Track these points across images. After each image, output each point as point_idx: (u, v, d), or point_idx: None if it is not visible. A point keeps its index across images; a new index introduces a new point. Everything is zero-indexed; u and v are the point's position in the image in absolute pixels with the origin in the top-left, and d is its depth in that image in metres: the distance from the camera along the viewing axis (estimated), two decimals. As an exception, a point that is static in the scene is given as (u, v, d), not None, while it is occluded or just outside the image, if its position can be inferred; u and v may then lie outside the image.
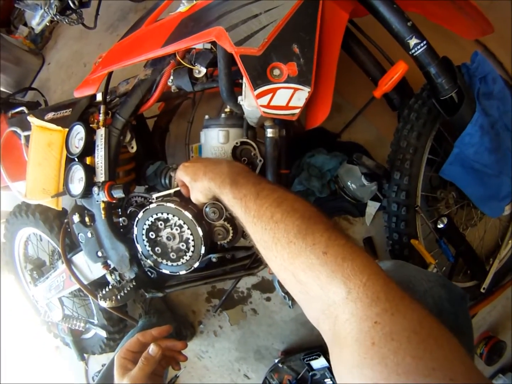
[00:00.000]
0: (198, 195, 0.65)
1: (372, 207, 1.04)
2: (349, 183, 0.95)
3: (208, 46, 0.74)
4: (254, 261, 0.81)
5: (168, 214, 0.72)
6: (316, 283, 0.36)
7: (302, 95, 0.67)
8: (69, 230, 1.03)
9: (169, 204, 0.71)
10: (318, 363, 1.02)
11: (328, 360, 1.00)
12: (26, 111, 1.10)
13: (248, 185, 0.52)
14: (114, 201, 0.77)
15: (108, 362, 0.95)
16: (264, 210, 0.45)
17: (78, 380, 1.56)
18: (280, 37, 0.63)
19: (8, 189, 1.55)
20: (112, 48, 0.79)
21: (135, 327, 1.13)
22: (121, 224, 0.83)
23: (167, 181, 0.87)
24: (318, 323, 0.38)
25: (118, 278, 0.87)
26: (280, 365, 1.09)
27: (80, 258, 0.97)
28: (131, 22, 1.60)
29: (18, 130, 0.97)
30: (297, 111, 0.67)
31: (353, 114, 1.04)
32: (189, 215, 0.70)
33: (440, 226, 0.84)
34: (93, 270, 0.95)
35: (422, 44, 0.71)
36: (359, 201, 1.00)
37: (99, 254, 0.85)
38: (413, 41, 0.72)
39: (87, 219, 0.86)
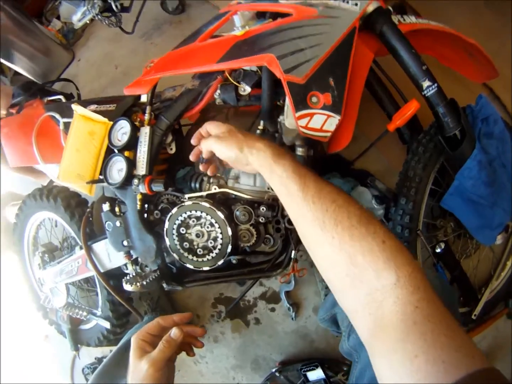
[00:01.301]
0: (226, 149, 0.60)
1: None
2: (363, 203, 1.03)
3: (255, 68, 0.83)
4: (272, 266, 0.87)
5: (201, 212, 0.78)
6: (372, 267, 0.41)
7: (333, 121, 0.77)
8: (90, 219, 1.09)
9: (204, 203, 0.78)
10: (315, 374, 1.05)
11: (325, 372, 1.03)
12: (63, 99, 1.17)
13: (305, 168, 0.52)
14: (150, 194, 0.83)
15: (119, 346, 0.96)
16: (326, 193, 0.47)
17: (62, 372, 1.54)
18: (320, 70, 0.74)
19: (22, 172, 1.60)
20: (165, 56, 0.87)
21: (139, 322, 1.14)
22: (152, 218, 0.88)
23: (197, 185, 0.92)
24: (358, 310, 0.42)
25: (138, 270, 0.91)
26: (277, 374, 1.11)
27: (101, 247, 1.01)
28: (165, 33, 1.75)
29: (57, 116, 1.02)
30: (328, 134, 0.77)
31: (367, 145, 1.14)
32: (222, 215, 0.77)
33: (438, 250, 0.92)
34: (112, 259, 0.99)
35: (433, 87, 0.82)
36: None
37: (125, 243, 0.90)
38: (426, 83, 0.83)
39: (117, 209, 0.92)
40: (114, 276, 1.04)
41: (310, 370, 1.06)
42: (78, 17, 1.60)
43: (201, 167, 0.72)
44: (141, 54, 1.74)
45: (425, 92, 0.83)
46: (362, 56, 0.86)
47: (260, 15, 0.85)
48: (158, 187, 0.80)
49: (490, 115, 0.88)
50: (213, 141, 0.62)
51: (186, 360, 1.28)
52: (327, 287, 1.11)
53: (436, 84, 0.82)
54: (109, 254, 1.00)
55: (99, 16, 1.50)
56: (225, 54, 0.76)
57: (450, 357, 0.33)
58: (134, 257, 0.93)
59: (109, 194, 1.01)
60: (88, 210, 1.11)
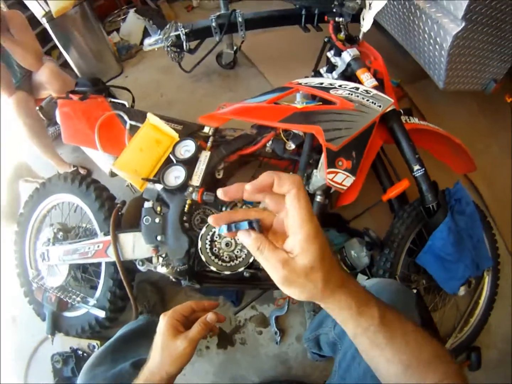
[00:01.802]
0: (297, 292, 0.42)
1: (361, 279, 1.34)
2: (352, 252, 1.25)
3: (301, 133, 1.10)
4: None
5: (236, 226, 0.97)
6: None
7: (350, 180, 1.05)
8: (119, 213, 1.22)
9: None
10: None
11: None
12: (127, 105, 1.35)
13: (389, 310, 0.49)
14: (199, 202, 1.01)
15: (141, 322, 1.00)
16: (413, 342, 0.49)
17: (19, 357, 1.44)
18: (348, 145, 1.04)
19: (49, 154, 1.67)
20: (239, 105, 1.13)
21: (134, 320, 1.15)
22: (187, 225, 1.05)
23: (228, 209, 1.11)
24: None
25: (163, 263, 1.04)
26: None
27: (127, 238, 1.12)
28: (212, 81, 2.07)
29: (125, 117, 1.19)
30: (345, 187, 1.05)
31: (362, 210, 1.42)
32: (253, 232, 0.96)
33: None
34: (136, 251, 1.10)
35: (421, 170, 1.13)
36: (352, 271, 1.29)
37: (158, 238, 1.03)
38: (416, 167, 1.13)
39: (158, 208, 1.07)
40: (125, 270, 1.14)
41: None
42: (150, 42, 1.77)
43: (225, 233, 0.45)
44: (187, 91, 2.00)
45: (415, 173, 1.14)
46: (374, 142, 1.18)
47: (313, 97, 1.15)
48: (209, 198, 0.99)
49: (463, 197, 1.17)
50: (281, 278, 0.42)
51: None
52: (314, 315, 1.25)
53: (424, 169, 1.13)
54: (134, 246, 1.11)
55: (168, 48, 1.74)
56: (285, 118, 1.04)
57: None
58: (160, 252, 1.06)
59: (147, 196, 1.17)
60: (118, 205, 1.24)
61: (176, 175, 1.05)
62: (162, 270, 0.96)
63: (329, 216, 1.38)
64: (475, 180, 1.64)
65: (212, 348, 1.31)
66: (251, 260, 0.96)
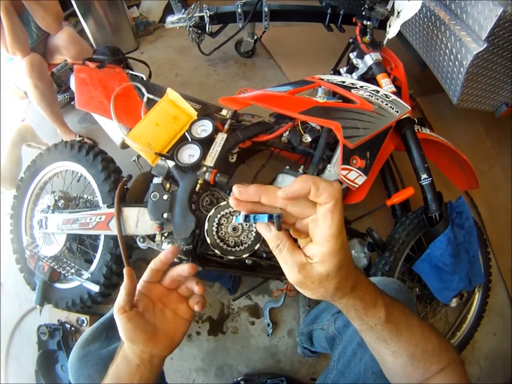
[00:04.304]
0: (320, 293, 0.43)
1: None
2: (352, 252, 1.26)
3: (318, 127, 1.10)
4: (280, 273, 1.04)
5: (246, 211, 0.96)
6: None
7: (361, 179, 1.06)
8: (125, 186, 1.20)
9: (250, 205, 0.96)
10: None
11: None
12: (145, 78, 1.32)
13: (396, 309, 0.51)
14: (211, 184, 1.00)
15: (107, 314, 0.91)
16: (419, 337, 0.51)
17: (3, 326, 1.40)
18: (364, 144, 1.04)
19: (55, 120, 1.64)
20: (261, 91, 1.12)
21: None
22: (198, 203, 1.04)
23: None
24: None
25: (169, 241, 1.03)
26: (242, 383, 1.17)
27: (131, 212, 1.10)
28: (229, 67, 2.06)
29: (143, 90, 1.17)
30: (356, 185, 1.06)
31: (364, 212, 1.43)
32: (262, 220, 0.96)
33: None
34: (139, 226, 1.08)
35: (428, 179, 1.15)
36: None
37: (165, 215, 1.01)
38: (424, 176, 1.16)
39: (168, 185, 1.05)
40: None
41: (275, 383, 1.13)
42: (173, 19, 1.75)
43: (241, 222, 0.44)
44: (202, 74, 1.99)
45: (422, 181, 1.16)
46: (387, 146, 1.19)
47: (333, 94, 1.15)
48: (222, 179, 0.98)
49: (463, 211, 1.20)
50: (294, 280, 0.42)
51: None
52: (309, 310, 1.25)
53: (431, 178, 1.15)
54: (138, 222, 1.09)
55: (190, 28, 1.72)
56: (306, 110, 1.04)
57: None
58: (164, 230, 1.05)
59: (155, 172, 1.15)
60: (124, 178, 1.22)
61: (190, 153, 1.03)
62: (167, 247, 0.94)
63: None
64: (475, 199, 1.67)
65: (202, 334, 1.30)
66: (256, 248, 0.95)
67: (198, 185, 1.00)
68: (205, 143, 1.05)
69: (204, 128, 1.07)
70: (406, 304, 0.70)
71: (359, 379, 0.68)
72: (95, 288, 1.19)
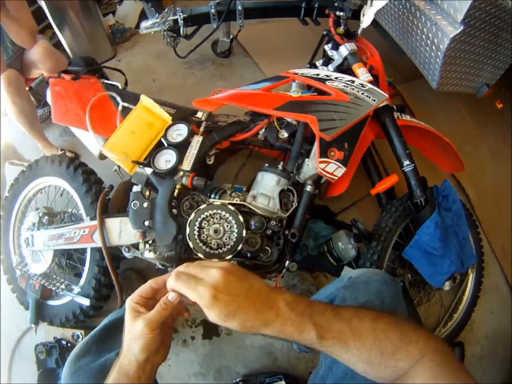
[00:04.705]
0: (232, 325, 0.53)
1: (347, 271, 1.35)
2: (339, 244, 1.25)
3: (294, 122, 1.10)
4: (266, 272, 1.03)
5: (226, 213, 0.96)
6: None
7: (341, 171, 1.05)
8: (107, 197, 1.19)
9: (230, 206, 0.96)
10: None
11: None
12: (120, 86, 1.30)
13: (332, 321, 0.53)
14: (189, 188, 0.99)
15: (101, 325, 0.95)
16: (367, 334, 0.52)
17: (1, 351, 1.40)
18: (341, 136, 1.03)
19: (36, 135, 1.63)
20: (234, 90, 1.12)
21: (118, 310, 1.13)
22: (179, 208, 1.03)
23: (217, 196, 1.09)
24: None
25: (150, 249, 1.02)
26: (240, 383, 1.17)
27: (114, 223, 1.09)
28: (206, 68, 2.05)
29: (118, 98, 1.16)
30: (336, 178, 1.05)
31: (350, 203, 1.43)
32: (242, 219, 0.95)
33: None
34: (123, 236, 1.07)
35: (411, 165, 1.14)
36: (339, 263, 1.30)
37: (146, 223, 1.01)
38: (406, 162, 1.15)
39: (147, 192, 1.05)
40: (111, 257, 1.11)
41: (273, 382, 1.13)
42: (147, 25, 1.73)
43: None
44: (180, 78, 1.97)
45: (405, 168, 1.15)
46: (366, 135, 1.19)
47: (308, 87, 1.14)
48: (199, 183, 0.97)
49: (450, 194, 1.19)
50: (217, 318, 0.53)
51: None
52: None
53: (413, 164, 1.14)
54: (121, 232, 1.08)
55: (164, 32, 1.71)
56: (280, 106, 1.03)
57: None
58: (147, 238, 1.04)
59: (135, 180, 1.14)
60: (105, 189, 1.20)
61: (167, 159, 1.03)
62: (149, 255, 0.94)
63: (317, 208, 1.38)
64: (462, 181, 1.67)
65: (197, 339, 1.30)
66: (239, 248, 0.95)
67: (176, 190, 1.00)
68: (181, 147, 1.04)
69: (180, 132, 1.06)
70: (392, 294, 0.70)
71: (347, 373, 0.68)
72: (86, 302, 1.18)
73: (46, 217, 1.27)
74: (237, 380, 1.19)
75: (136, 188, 1.06)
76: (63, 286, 1.22)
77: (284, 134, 1.08)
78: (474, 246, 1.34)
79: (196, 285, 0.53)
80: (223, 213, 0.96)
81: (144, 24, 1.75)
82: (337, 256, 1.25)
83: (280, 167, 1.10)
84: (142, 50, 2.20)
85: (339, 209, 1.45)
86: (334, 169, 1.03)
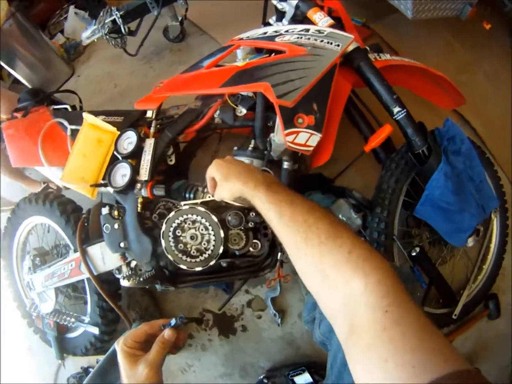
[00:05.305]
0: (224, 193, 0.67)
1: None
2: (340, 216, 1.14)
3: (250, 94, 0.96)
4: (259, 268, 0.95)
5: (197, 216, 0.87)
6: (342, 278, 0.43)
7: (315, 138, 0.90)
8: (85, 224, 1.13)
9: (200, 208, 0.86)
10: (302, 379, 1.08)
11: (312, 376, 1.06)
12: (69, 109, 1.24)
13: (282, 193, 0.57)
14: (151, 199, 0.91)
15: (108, 352, 0.96)
16: (298, 215, 0.51)
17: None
18: (306, 97, 0.87)
19: (14, 178, 1.62)
20: (175, 77, 0.99)
21: (128, 330, 1.15)
22: (149, 224, 0.95)
23: (191, 195, 0.99)
24: (335, 316, 0.44)
25: (132, 271, 0.97)
26: (265, 380, 1.14)
27: (95, 250, 1.05)
28: (164, 58, 1.89)
29: (65, 123, 1.08)
30: (310, 148, 0.91)
31: (346, 165, 1.28)
32: (215, 219, 0.86)
33: (414, 254, 1.02)
34: (107, 261, 1.03)
35: (402, 112, 0.97)
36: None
37: (122, 245, 0.95)
38: (396, 109, 0.98)
39: (115, 212, 0.98)
40: (105, 282, 1.07)
41: (297, 374, 1.08)
42: (87, 34, 1.67)
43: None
44: (140, 76, 1.85)
45: (396, 116, 0.98)
46: (342, 87, 1.02)
47: (258, 50, 0.99)
48: (159, 192, 0.88)
49: (456, 135, 1.02)
50: (212, 166, 0.71)
51: (174, 371, 1.27)
52: (307, 292, 1.18)
53: (405, 110, 0.97)
54: (104, 257, 1.04)
55: (107, 36, 1.61)
56: (227, 81, 0.89)
57: (421, 360, 0.34)
58: (129, 259, 0.98)
59: (107, 200, 1.08)
60: (83, 215, 1.16)
61: (122, 173, 0.94)
62: (125, 283, 0.88)
63: (309, 177, 1.25)
64: (466, 114, 1.45)
65: (214, 340, 1.27)
66: (220, 251, 0.86)
67: (139, 205, 0.92)
68: (135, 156, 0.95)
69: (130, 140, 0.96)
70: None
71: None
72: (95, 331, 1.18)
73: (38, 259, 1.27)
74: (261, 377, 1.16)
75: (104, 211, 1.00)
76: (73, 320, 1.23)
77: (242, 111, 0.95)
78: (493, 187, 1.16)
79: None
80: (194, 216, 0.87)
81: (84, 34, 1.68)
82: (342, 228, 1.13)
83: (250, 147, 0.99)
84: (99, 59, 2.09)
85: (335, 174, 1.31)
86: (306, 138, 0.89)
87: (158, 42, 1.88)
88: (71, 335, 1.30)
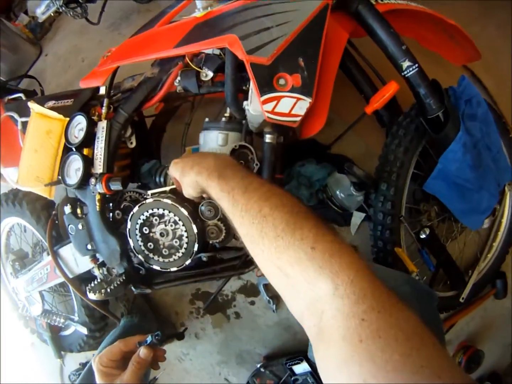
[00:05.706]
0: (188, 190, 0.61)
1: (357, 217, 1.08)
2: (337, 192, 0.98)
3: (217, 52, 0.77)
4: (244, 262, 0.82)
5: (164, 210, 0.73)
6: (304, 278, 0.36)
7: (303, 104, 0.71)
8: (56, 222, 1.02)
9: (165, 200, 0.72)
10: (301, 368, 1.03)
11: (310, 365, 1.00)
12: (23, 97, 1.09)
13: (236, 178, 0.50)
14: (110, 194, 0.77)
15: (87, 367, 0.94)
16: (252, 204, 0.44)
17: (51, 379, 1.49)
18: (288, 50, 0.67)
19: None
20: (123, 43, 0.81)
21: (117, 326, 1.11)
22: (114, 218, 0.83)
23: (162, 179, 0.86)
24: (302, 319, 0.38)
25: (106, 273, 0.86)
26: (262, 369, 1.09)
27: (67, 251, 0.96)
28: (133, 22, 1.66)
29: (15, 116, 0.95)
30: (298, 118, 0.71)
31: (344, 128, 1.09)
32: (185, 212, 0.72)
33: (423, 236, 0.89)
34: (79, 263, 0.94)
35: (414, 67, 0.78)
36: (345, 211, 1.04)
37: (89, 247, 0.84)
38: (406, 64, 0.78)
39: (78, 210, 0.86)
40: (86, 280, 0.98)
41: (295, 363, 1.03)
42: (42, 9, 1.55)
43: None
44: (108, 45, 1.57)
45: (405, 72, 0.79)
46: (336, 36, 0.81)
47: (223, -4, 0.79)
48: (116, 186, 0.74)
49: (473, 96, 0.84)
50: (170, 167, 0.65)
51: (171, 360, 1.25)
52: None
53: (417, 65, 0.78)
54: (76, 259, 0.94)
55: (63, 8, 1.42)
56: (183, 38, 0.70)
57: (407, 382, 0.27)
58: (100, 260, 0.87)
59: (72, 195, 0.95)
60: (54, 212, 1.04)
61: (76, 167, 0.80)
62: (92, 297, 0.77)
63: (301, 144, 1.07)
64: (476, 70, 1.22)
65: (208, 329, 1.22)
66: (195, 249, 0.73)
67: (97, 203, 0.78)
68: (88, 145, 0.80)
69: (81, 126, 0.81)
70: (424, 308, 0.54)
71: None
72: (84, 331, 1.13)
73: (17, 263, 1.21)
74: (258, 366, 1.10)
75: (66, 210, 0.88)
76: (62, 320, 1.18)
77: (208, 74, 0.76)
78: (508, 156, 0.97)
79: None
80: (160, 210, 0.73)
81: (38, 10, 1.56)
82: (340, 205, 0.98)
83: (225, 117, 0.81)
84: (65, 33, 1.88)
85: (332, 139, 1.13)
86: (291, 105, 0.69)
87: (125, 5, 1.66)
88: (65, 333, 1.28)
